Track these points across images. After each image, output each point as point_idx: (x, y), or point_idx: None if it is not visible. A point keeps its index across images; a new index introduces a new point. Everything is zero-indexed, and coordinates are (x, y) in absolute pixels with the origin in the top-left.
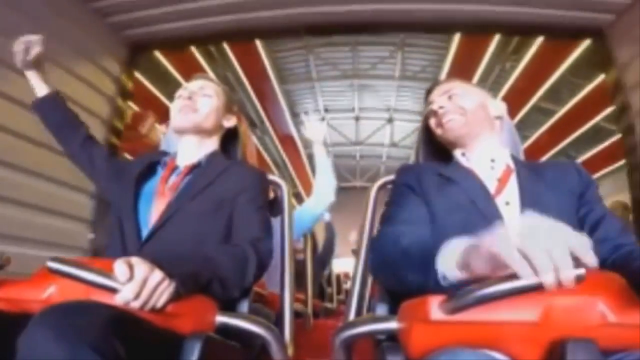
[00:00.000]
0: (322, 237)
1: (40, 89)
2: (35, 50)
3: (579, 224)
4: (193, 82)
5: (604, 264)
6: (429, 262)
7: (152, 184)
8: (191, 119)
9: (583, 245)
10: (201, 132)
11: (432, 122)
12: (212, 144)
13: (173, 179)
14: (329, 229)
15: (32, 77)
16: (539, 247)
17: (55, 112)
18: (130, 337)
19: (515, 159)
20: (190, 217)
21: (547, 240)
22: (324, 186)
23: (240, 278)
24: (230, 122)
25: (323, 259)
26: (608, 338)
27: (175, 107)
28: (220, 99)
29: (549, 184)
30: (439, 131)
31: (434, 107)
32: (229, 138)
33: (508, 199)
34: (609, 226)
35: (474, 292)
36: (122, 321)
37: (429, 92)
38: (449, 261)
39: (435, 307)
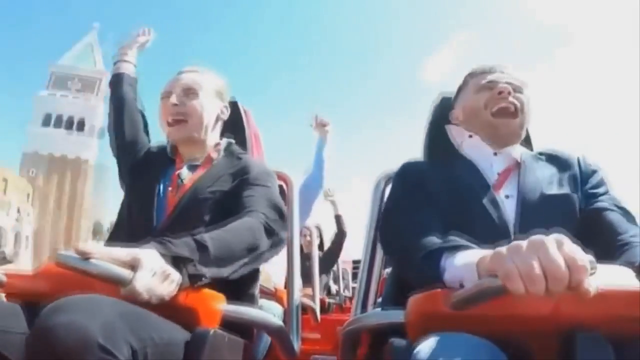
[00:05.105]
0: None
1: (129, 68)
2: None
3: (584, 217)
4: (176, 83)
5: (608, 257)
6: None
7: (164, 179)
8: (185, 131)
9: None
10: (199, 136)
11: (486, 97)
12: (214, 137)
13: (184, 175)
14: (339, 222)
15: (132, 56)
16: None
17: (130, 89)
18: (137, 330)
19: (522, 150)
20: (201, 214)
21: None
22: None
23: (251, 259)
24: (224, 114)
25: (331, 254)
26: (617, 330)
27: (164, 116)
28: (209, 91)
29: (551, 177)
30: (485, 114)
31: (507, 93)
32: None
33: (509, 192)
34: (612, 219)
35: (482, 287)
36: (129, 315)
37: (484, 72)
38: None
39: (443, 301)
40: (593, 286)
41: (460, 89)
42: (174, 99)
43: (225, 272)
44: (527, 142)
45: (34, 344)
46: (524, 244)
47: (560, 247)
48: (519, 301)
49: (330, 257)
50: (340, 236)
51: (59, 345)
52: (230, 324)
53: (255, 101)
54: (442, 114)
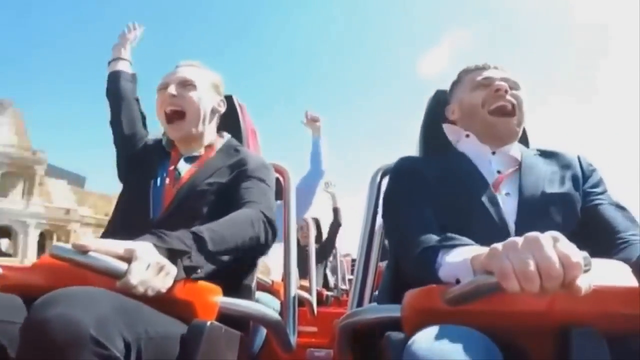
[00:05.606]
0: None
1: (124, 65)
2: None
3: (583, 215)
4: (173, 76)
5: (607, 255)
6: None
7: (161, 172)
8: (183, 128)
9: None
10: (197, 131)
11: (483, 95)
12: (211, 130)
13: (182, 168)
14: (336, 214)
15: (126, 53)
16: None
17: (127, 84)
18: (131, 324)
19: (522, 149)
20: (199, 206)
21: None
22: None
23: (248, 248)
24: (221, 107)
25: (327, 244)
26: (611, 326)
27: (161, 107)
28: (206, 84)
29: (552, 175)
30: (482, 112)
31: (504, 91)
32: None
33: (509, 190)
34: (612, 217)
35: (477, 284)
36: (124, 308)
37: (478, 68)
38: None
39: (439, 296)
40: (587, 284)
41: (454, 85)
42: (172, 90)
43: (220, 261)
44: (523, 139)
45: (26, 336)
46: (519, 241)
47: (555, 245)
48: (514, 298)
49: (325, 247)
50: (335, 226)
51: (51, 338)
52: (227, 317)
53: (254, 98)
54: (438, 108)
